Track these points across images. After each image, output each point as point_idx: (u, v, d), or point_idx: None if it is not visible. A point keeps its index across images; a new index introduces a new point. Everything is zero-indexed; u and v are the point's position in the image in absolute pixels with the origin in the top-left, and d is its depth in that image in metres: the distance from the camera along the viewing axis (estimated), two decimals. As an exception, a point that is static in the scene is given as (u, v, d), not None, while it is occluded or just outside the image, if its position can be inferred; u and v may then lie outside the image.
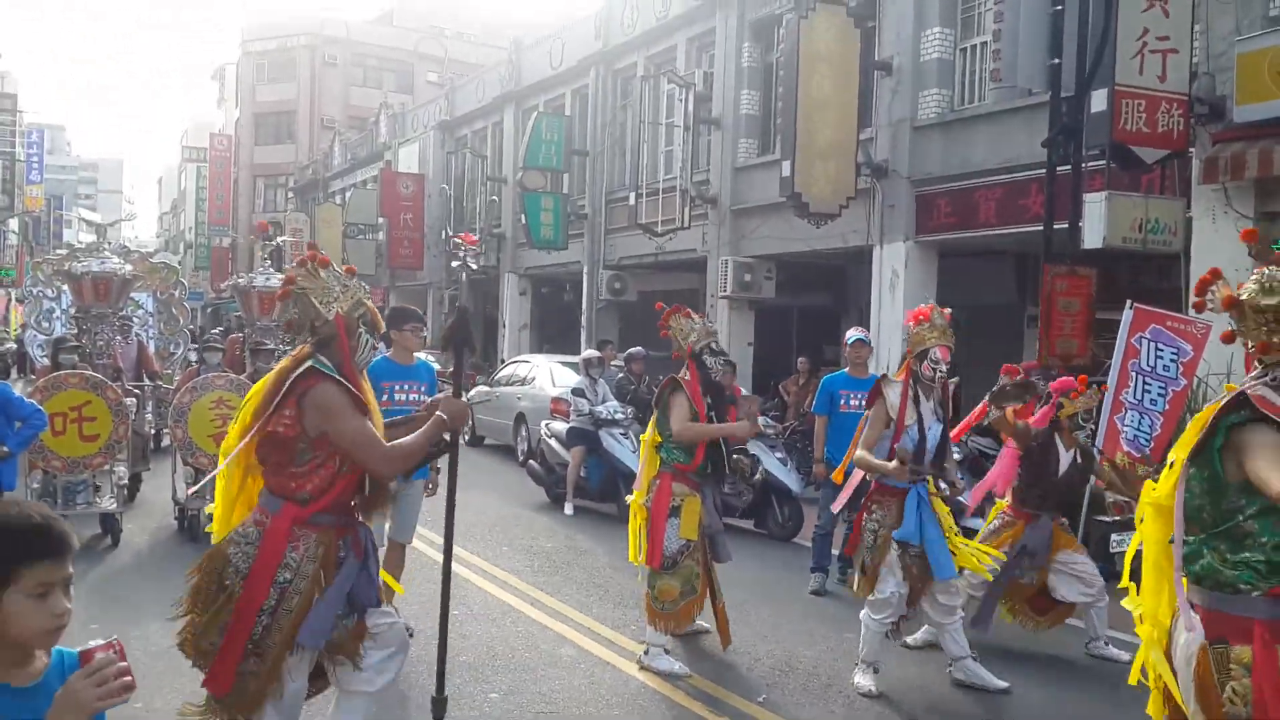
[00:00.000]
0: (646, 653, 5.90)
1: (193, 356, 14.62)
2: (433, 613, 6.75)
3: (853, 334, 8.36)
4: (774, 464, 10.27)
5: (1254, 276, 2.79)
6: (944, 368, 5.59)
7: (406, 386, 6.26)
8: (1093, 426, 6.59)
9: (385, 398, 6.14)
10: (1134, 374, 8.47)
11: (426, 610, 6.81)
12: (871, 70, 14.34)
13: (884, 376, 6.06)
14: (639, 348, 12.54)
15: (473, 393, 17.45)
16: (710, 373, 5.97)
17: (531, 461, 12.24)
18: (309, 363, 3.60)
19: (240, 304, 12.74)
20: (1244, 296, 2.77)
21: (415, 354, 6.45)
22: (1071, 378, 6.64)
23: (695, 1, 18.33)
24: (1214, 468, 2.84)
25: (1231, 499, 2.84)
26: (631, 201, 19.06)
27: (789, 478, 10.15)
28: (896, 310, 13.98)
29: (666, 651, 5.90)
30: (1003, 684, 5.63)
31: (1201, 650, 2.83)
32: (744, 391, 11.65)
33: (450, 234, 25.40)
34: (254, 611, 3.46)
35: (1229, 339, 2.86)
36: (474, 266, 22.49)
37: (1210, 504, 2.89)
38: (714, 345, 6.07)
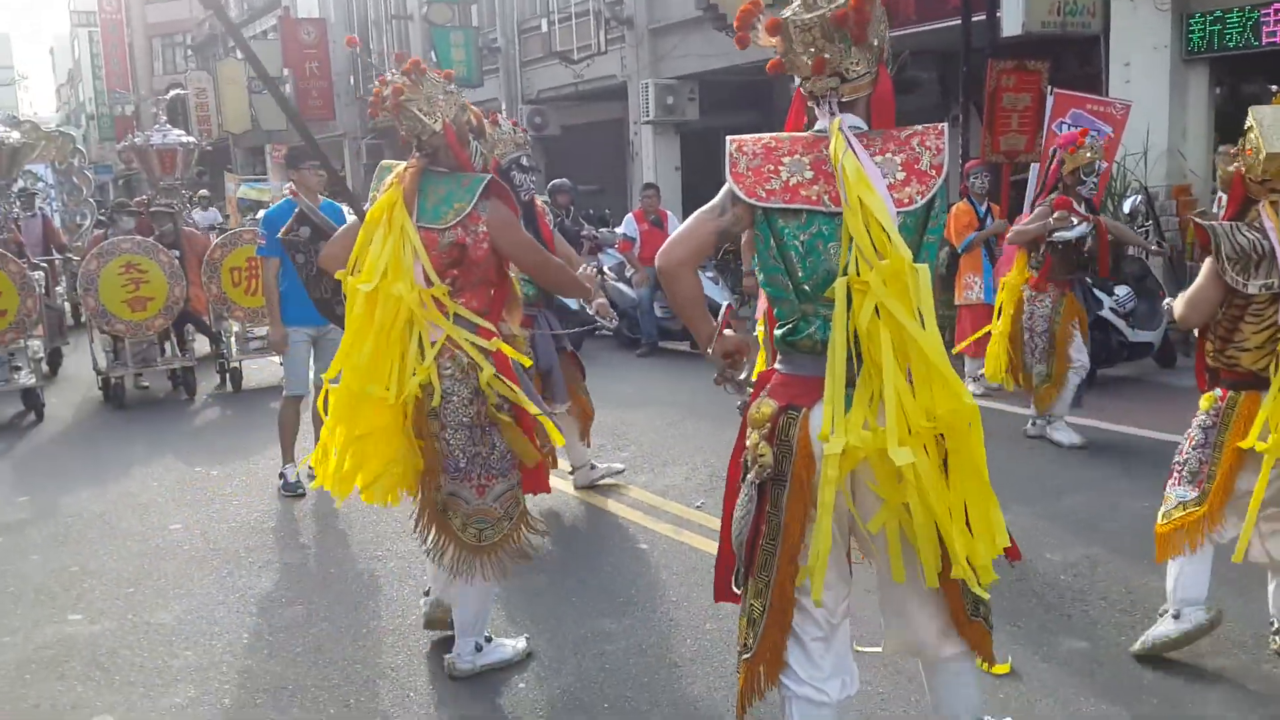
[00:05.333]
0: None
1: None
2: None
3: None
4: (705, 283, 10.21)
5: None
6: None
7: (315, 230, 6.01)
8: (1094, 180, 6.28)
9: (293, 241, 5.94)
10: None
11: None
12: None
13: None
14: (564, 179, 12.23)
15: None
16: (520, 191, 5.12)
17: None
18: (484, 179, 3.40)
19: (140, 165, 12.18)
20: (786, 15, 2.43)
21: (320, 195, 6.16)
22: (1073, 131, 6.36)
23: None
24: None
25: None
26: (544, 29, 18.34)
27: (719, 294, 10.13)
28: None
29: None
30: None
31: None
32: (670, 215, 11.46)
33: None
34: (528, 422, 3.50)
35: (776, 68, 2.53)
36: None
37: None
38: (525, 160, 5.24)
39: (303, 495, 5.96)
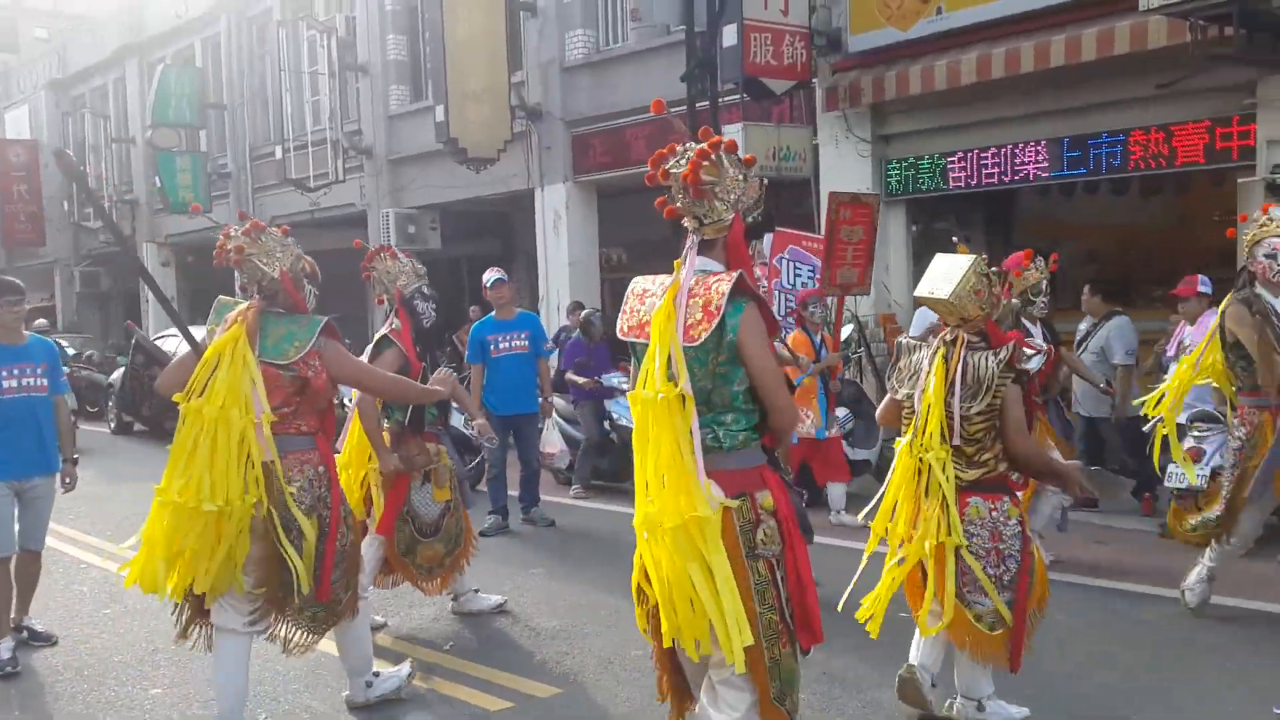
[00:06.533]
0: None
1: None
2: (79, 616, 6.17)
3: (490, 275, 8.12)
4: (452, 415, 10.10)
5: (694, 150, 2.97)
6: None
7: (16, 370, 5.45)
8: (1044, 300, 6.03)
9: (-9, 385, 5.38)
10: (777, 292, 9.05)
11: (73, 615, 6.18)
12: (518, 11, 14.27)
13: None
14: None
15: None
16: (422, 319, 5.45)
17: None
18: (321, 320, 4.03)
19: None
20: (668, 165, 2.98)
21: (26, 332, 5.66)
22: (1018, 254, 6.04)
23: (329, -60, 17.44)
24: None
25: None
26: (279, 156, 18.02)
27: (465, 428, 10.04)
28: (561, 252, 14.16)
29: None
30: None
31: None
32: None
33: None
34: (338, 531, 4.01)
35: (672, 215, 3.05)
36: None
37: None
38: (425, 289, 5.51)
39: (17, 673, 5.28)
